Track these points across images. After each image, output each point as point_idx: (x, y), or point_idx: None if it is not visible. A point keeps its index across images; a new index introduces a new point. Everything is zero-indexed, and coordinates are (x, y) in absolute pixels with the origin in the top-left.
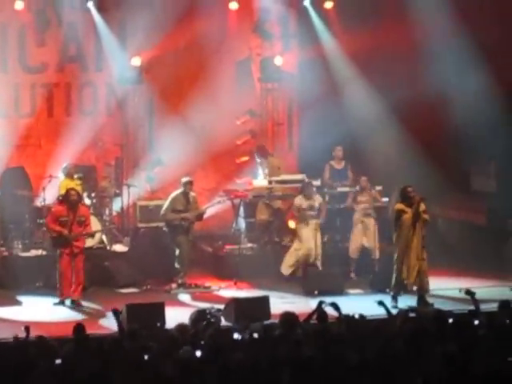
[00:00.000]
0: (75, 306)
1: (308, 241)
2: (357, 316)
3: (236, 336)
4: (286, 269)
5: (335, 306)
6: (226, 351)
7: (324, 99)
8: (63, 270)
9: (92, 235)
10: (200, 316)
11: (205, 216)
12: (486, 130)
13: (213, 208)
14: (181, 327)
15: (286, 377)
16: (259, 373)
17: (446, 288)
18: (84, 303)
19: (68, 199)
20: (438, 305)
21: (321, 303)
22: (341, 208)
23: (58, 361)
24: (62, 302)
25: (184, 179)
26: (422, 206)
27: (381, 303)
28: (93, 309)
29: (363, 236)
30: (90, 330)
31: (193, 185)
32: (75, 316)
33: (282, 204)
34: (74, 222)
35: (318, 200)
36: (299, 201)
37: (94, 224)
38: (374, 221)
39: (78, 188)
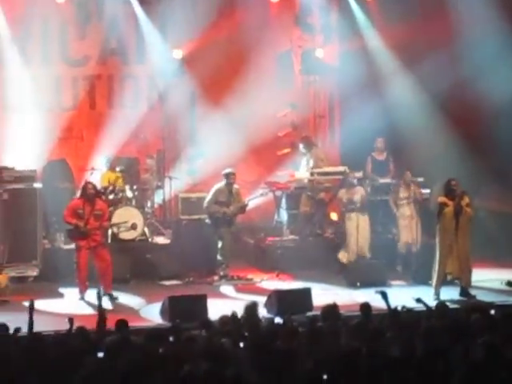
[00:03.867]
0: (111, 299)
1: (351, 234)
2: (399, 308)
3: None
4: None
5: (383, 295)
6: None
7: (365, 91)
8: (80, 264)
9: (107, 229)
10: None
11: (247, 208)
12: None
13: (255, 200)
14: (224, 319)
15: (327, 369)
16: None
17: (487, 279)
18: (126, 295)
19: (85, 192)
20: (481, 296)
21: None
22: (383, 199)
23: (101, 354)
24: (82, 299)
25: (226, 170)
26: (466, 200)
27: (419, 300)
28: (135, 301)
29: (410, 231)
30: (131, 323)
31: (235, 176)
32: (117, 308)
33: (325, 196)
34: (90, 215)
35: (359, 192)
36: (341, 194)
37: (136, 216)
38: (416, 214)
39: (120, 181)
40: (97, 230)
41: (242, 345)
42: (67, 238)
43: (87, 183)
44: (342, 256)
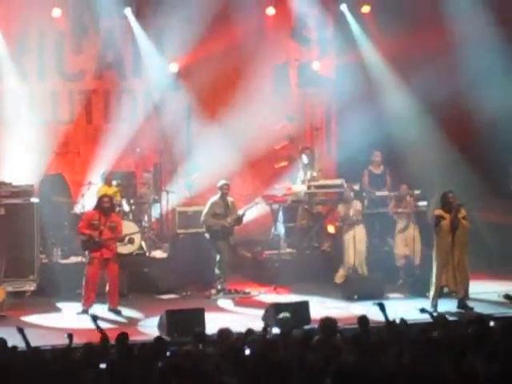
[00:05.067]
0: (114, 313)
1: (347, 248)
2: (398, 321)
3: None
4: (338, 278)
5: (381, 307)
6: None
7: (361, 103)
8: (90, 276)
9: (122, 239)
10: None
11: (244, 220)
12: None
13: (252, 213)
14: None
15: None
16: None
17: (486, 291)
18: (123, 309)
19: (101, 206)
20: (479, 309)
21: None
22: (380, 212)
23: (103, 365)
24: (85, 311)
25: (220, 182)
26: (462, 212)
27: (423, 310)
28: (132, 315)
29: (406, 243)
30: (129, 337)
31: (229, 187)
32: (115, 323)
33: (322, 209)
34: (105, 226)
35: (354, 206)
36: (339, 208)
37: (133, 230)
38: (414, 227)
39: (117, 195)
40: (111, 241)
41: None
42: (82, 249)
43: (104, 196)
44: (340, 276)
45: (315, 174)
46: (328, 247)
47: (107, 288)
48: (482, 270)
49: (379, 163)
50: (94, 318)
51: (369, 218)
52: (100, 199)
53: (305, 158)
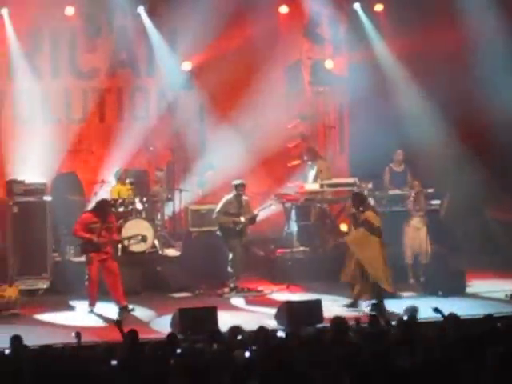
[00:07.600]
0: (126, 311)
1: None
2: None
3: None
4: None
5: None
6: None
7: (374, 102)
8: (93, 277)
9: (119, 242)
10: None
11: (257, 219)
12: None
13: (265, 212)
14: (234, 330)
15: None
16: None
17: (498, 290)
18: (136, 308)
19: (102, 208)
20: (488, 307)
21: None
22: (394, 211)
23: (114, 362)
24: (92, 311)
25: (236, 182)
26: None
27: (437, 310)
28: (145, 313)
29: (416, 240)
30: (142, 335)
31: (245, 187)
32: (128, 320)
33: (334, 207)
34: (102, 228)
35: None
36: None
37: (146, 229)
38: (425, 225)
39: (130, 193)
40: (108, 242)
41: None
42: (81, 252)
43: (106, 201)
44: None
45: (320, 172)
46: (333, 246)
47: (110, 289)
48: (494, 269)
49: (401, 162)
50: (119, 323)
51: (384, 217)
52: (103, 203)
53: (306, 159)
